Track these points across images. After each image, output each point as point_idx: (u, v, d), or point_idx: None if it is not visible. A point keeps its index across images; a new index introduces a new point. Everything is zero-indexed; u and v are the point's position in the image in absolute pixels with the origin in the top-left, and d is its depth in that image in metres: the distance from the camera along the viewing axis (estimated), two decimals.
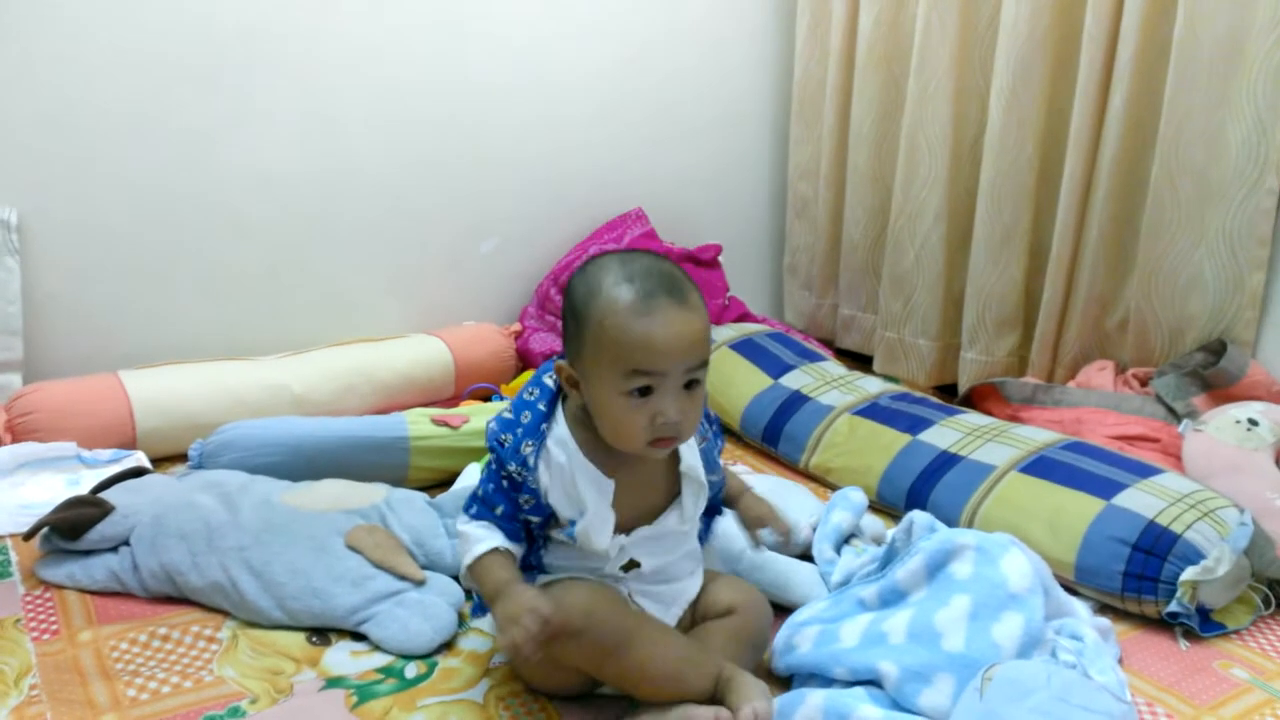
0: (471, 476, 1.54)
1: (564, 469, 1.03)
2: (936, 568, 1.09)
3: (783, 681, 1.12)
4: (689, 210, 2.41)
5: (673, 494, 1.10)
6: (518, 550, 1.07)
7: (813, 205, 2.40)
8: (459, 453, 1.63)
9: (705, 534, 1.20)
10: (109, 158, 1.80)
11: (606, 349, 0.98)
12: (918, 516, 1.18)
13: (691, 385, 1.00)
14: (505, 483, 1.05)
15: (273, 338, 1.99)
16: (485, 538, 1.04)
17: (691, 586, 1.14)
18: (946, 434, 1.60)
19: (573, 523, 1.04)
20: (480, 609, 1.13)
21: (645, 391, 0.98)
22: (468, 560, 1.05)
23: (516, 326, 2.22)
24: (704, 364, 1.01)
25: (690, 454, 1.09)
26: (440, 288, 2.22)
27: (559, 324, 2.19)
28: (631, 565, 1.09)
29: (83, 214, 1.80)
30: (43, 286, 1.77)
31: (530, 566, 1.10)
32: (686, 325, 0.98)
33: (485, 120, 2.16)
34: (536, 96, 2.19)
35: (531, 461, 1.03)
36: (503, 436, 1.05)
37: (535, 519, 1.06)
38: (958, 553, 1.09)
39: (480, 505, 1.07)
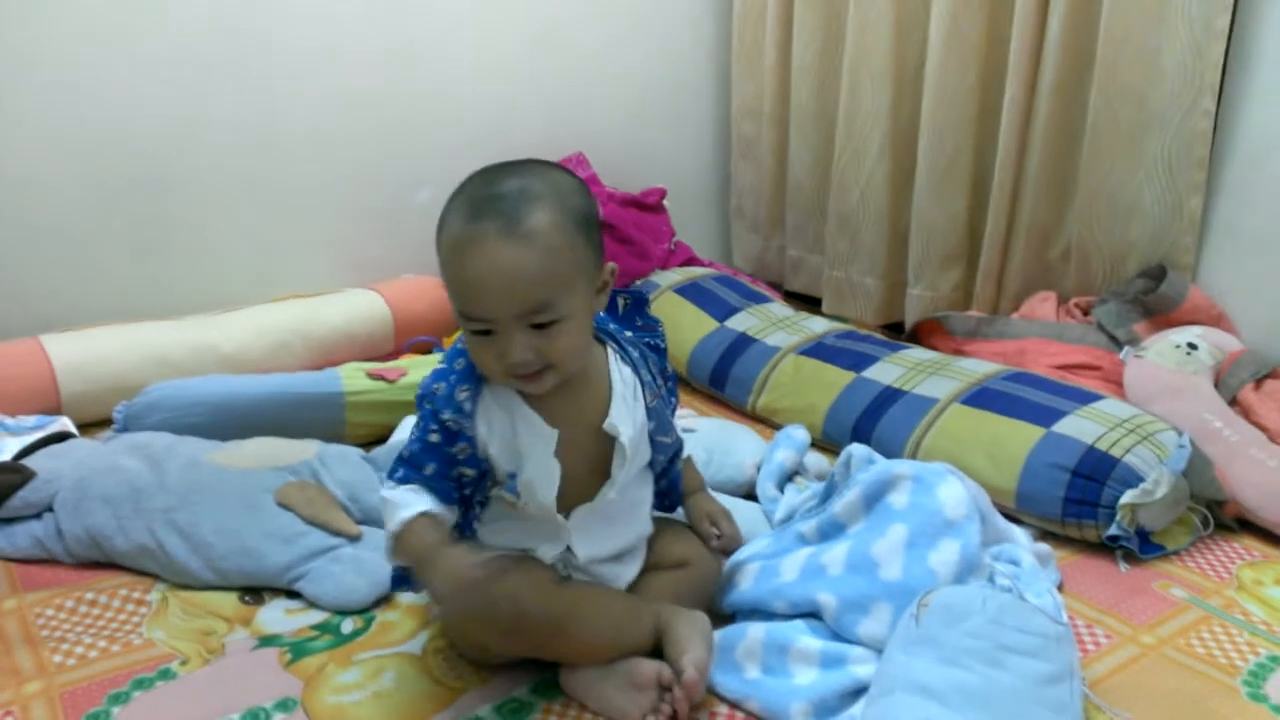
0: (408, 430, 1.51)
1: (503, 418, 0.96)
2: (874, 499, 1.09)
3: (725, 618, 1.12)
4: (631, 154, 2.37)
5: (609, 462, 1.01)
6: (449, 515, 0.97)
7: (757, 145, 2.37)
8: (397, 407, 1.60)
9: (666, 505, 1.13)
10: (28, 109, 1.72)
11: (446, 283, 0.91)
12: (856, 450, 1.17)
13: (543, 324, 0.89)
14: (437, 436, 0.96)
15: (202, 296, 1.92)
16: (412, 502, 0.94)
17: (630, 571, 1.06)
18: (890, 370, 1.60)
19: (513, 476, 0.97)
20: (401, 581, 1.05)
21: (488, 329, 0.90)
22: (392, 527, 0.94)
23: None
24: (544, 308, 0.88)
25: (618, 410, 0.99)
26: (377, 241, 2.16)
27: None
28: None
29: (1, 166, 1.72)
30: None
31: (462, 539, 1.01)
32: (511, 263, 0.86)
33: (418, 65, 2.09)
34: (470, 38, 2.13)
35: (468, 407, 0.95)
36: (435, 386, 0.97)
37: (470, 471, 0.98)
38: (894, 483, 1.08)
39: (406, 467, 0.97)
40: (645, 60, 2.36)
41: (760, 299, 1.94)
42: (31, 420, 1.58)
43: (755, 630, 1.02)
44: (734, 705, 0.98)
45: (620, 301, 1.07)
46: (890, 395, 1.54)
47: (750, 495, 1.37)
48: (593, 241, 0.93)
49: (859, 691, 0.95)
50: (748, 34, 2.31)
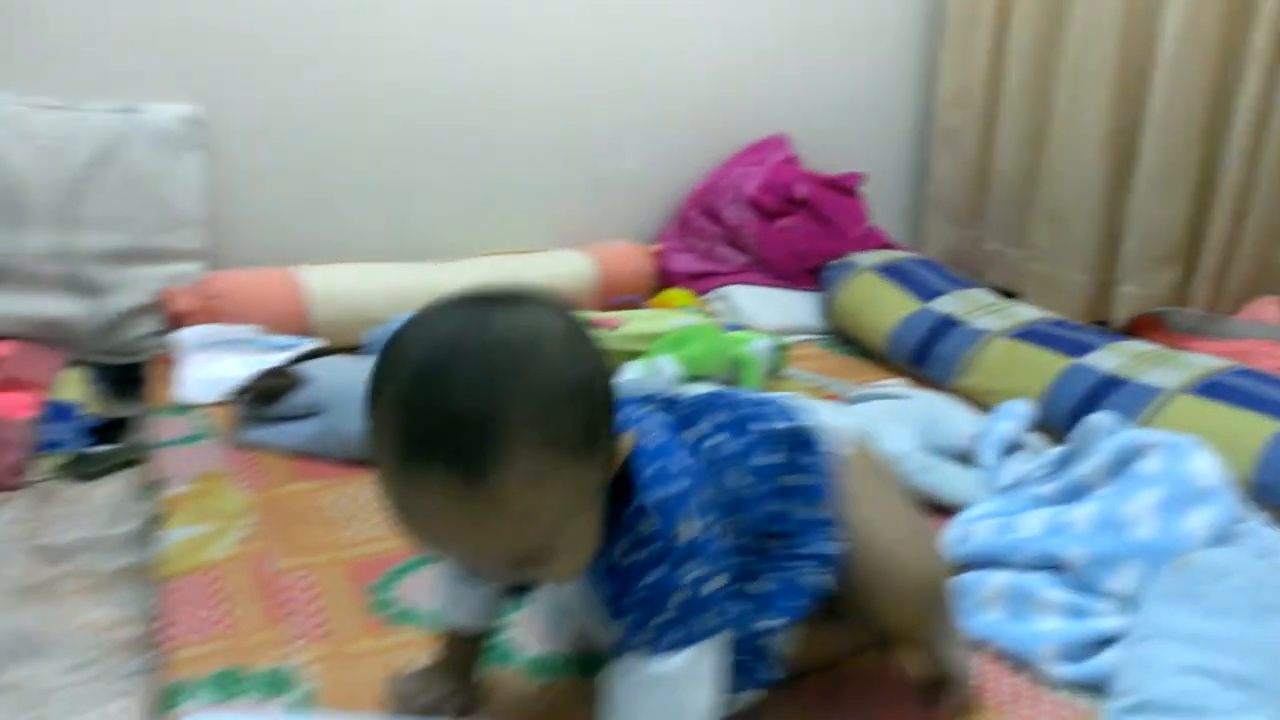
0: (633, 371, 1.58)
1: None
2: (1123, 464, 1.09)
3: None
4: (830, 137, 2.40)
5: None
6: (478, 620, 0.85)
7: (960, 135, 2.36)
8: (615, 355, 1.68)
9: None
10: (290, 63, 1.88)
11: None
12: (1098, 418, 1.18)
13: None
14: None
15: (427, 243, 2.06)
16: (444, 595, 0.84)
17: None
18: (1109, 358, 1.58)
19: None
20: None
21: None
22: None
23: (658, 247, 2.26)
24: (524, 562, 0.65)
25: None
26: (584, 206, 2.26)
27: (700, 245, 2.22)
28: None
29: (263, 115, 1.89)
30: (224, 182, 1.86)
31: None
32: (474, 533, 0.62)
33: (636, 42, 2.18)
34: (684, 17, 2.20)
35: None
36: None
37: None
38: (1145, 450, 1.08)
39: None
40: (850, 44, 2.39)
41: (965, 284, 1.95)
42: (285, 339, 1.73)
43: (997, 578, 1.04)
44: (977, 646, 1.01)
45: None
46: (1110, 383, 1.52)
47: (967, 460, 1.39)
48: (596, 444, 0.65)
49: (1103, 642, 0.97)
50: (961, 24, 2.31)
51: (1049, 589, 1.03)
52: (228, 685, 0.90)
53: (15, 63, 1.70)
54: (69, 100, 1.72)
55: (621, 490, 0.69)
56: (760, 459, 0.80)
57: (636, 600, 0.68)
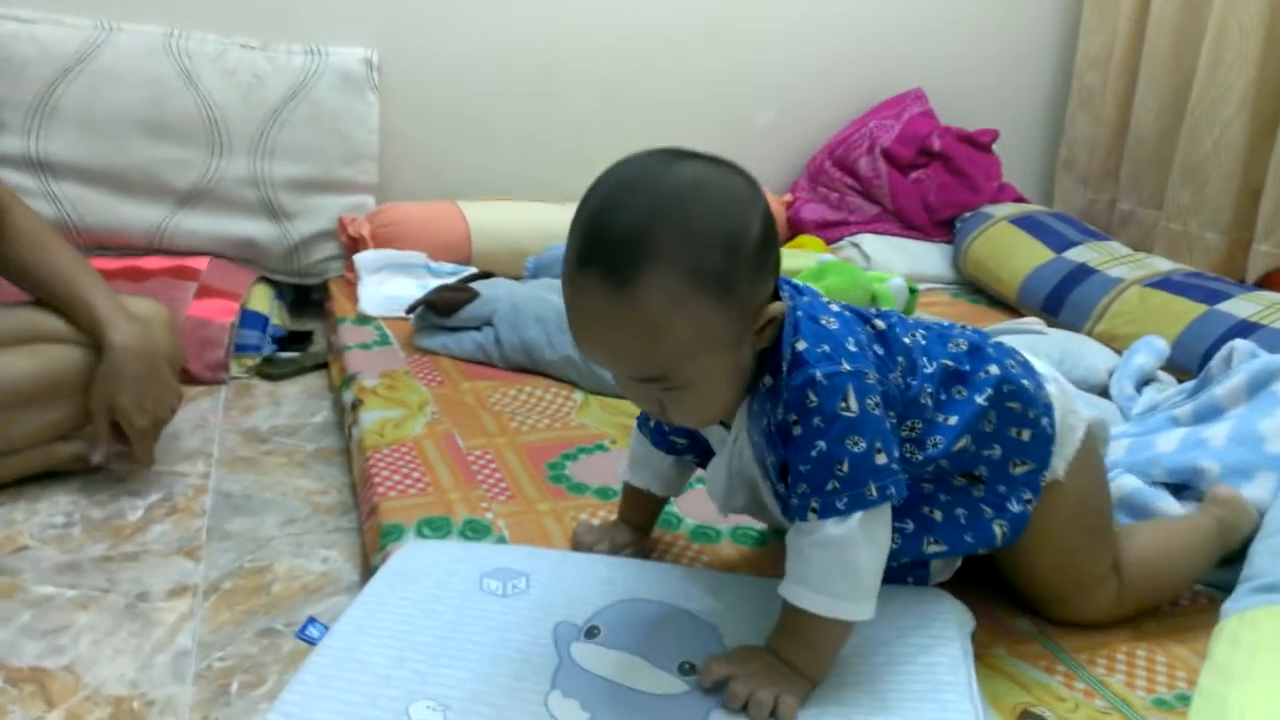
0: None
1: None
2: (1259, 386, 1.14)
3: None
4: (966, 94, 2.43)
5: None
6: (665, 486, 0.96)
7: (1099, 96, 2.37)
8: None
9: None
10: (458, 14, 2.04)
11: None
12: (1239, 344, 1.22)
13: (665, 386, 0.75)
14: None
15: (573, 185, 2.16)
16: (631, 466, 0.98)
17: None
18: (1245, 306, 1.60)
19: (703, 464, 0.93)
20: None
21: None
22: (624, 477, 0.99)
23: (788, 197, 2.33)
24: (655, 378, 0.74)
25: (720, 458, 0.87)
26: (720, 154, 2.34)
27: (831, 195, 2.29)
28: None
29: (433, 60, 2.04)
30: (394, 121, 2.01)
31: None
32: (612, 329, 0.71)
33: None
34: None
35: None
36: None
37: (681, 441, 0.94)
38: None
39: (642, 413, 0.95)
40: (992, 5, 2.41)
41: (1099, 236, 1.97)
42: (450, 266, 1.88)
43: (1125, 480, 1.09)
44: None
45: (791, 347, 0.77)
46: (1246, 328, 1.55)
47: (1101, 395, 1.44)
48: (733, 291, 0.72)
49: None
50: None
51: (1166, 501, 1.08)
52: (433, 529, 1.03)
53: (217, 6, 1.89)
54: (263, 41, 1.89)
55: (778, 363, 0.76)
56: (978, 398, 0.82)
57: (808, 467, 0.74)
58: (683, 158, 0.75)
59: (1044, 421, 0.85)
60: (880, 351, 0.80)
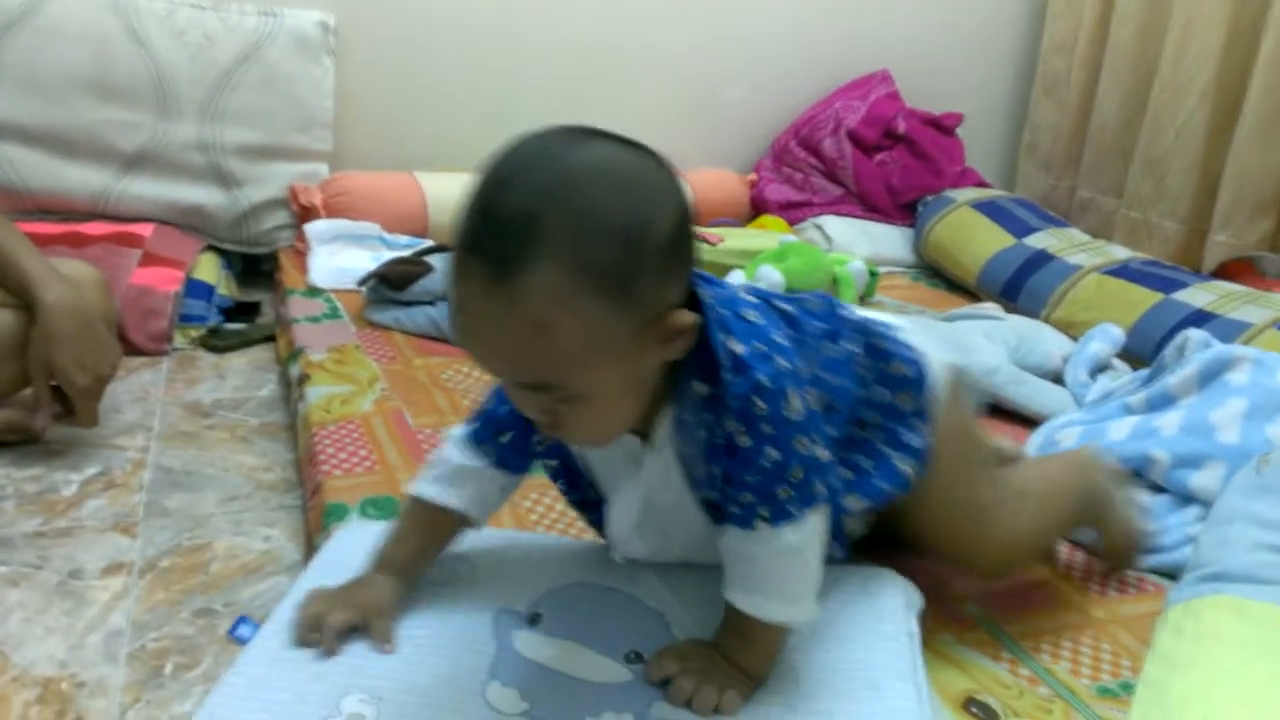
0: (735, 278, 1.66)
1: None
2: (1211, 375, 1.14)
3: None
4: (933, 77, 2.42)
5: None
6: (483, 510, 0.83)
7: (1063, 83, 2.37)
8: (715, 268, 1.75)
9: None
10: None
11: None
12: (1193, 333, 1.23)
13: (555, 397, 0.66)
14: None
15: None
16: (451, 477, 0.81)
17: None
18: (1201, 295, 1.61)
19: (599, 502, 0.83)
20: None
21: None
22: (412, 484, 0.82)
23: (753, 176, 2.32)
24: (540, 387, 0.65)
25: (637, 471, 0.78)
26: (683, 132, 2.32)
27: (795, 175, 2.27)
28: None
29: (392, 25, 1.99)
30: (351, 87, 1.97)
31: None
32: (494, 329, 0.63)
33: None
34: None
35: None
36: None
37: (553, 463, 0.84)
38: (1235, 363, 1.13)
39: (483, 424, 0.81)
40: None
41: (1059, 223, 1.98)
42: (404, 239, 1.84)
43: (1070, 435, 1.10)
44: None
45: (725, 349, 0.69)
46: (1201, 317, 1.56)
47: (1055, 381, 1.44)
48: (632, 294, 0.63)
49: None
50: None
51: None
52: (379, 510, 1.01)
53: None
54: (215, 1, 1.83)
55: (711, 368, 0.69)
56: (849, 345, 0.80)
57: (758, 477, 0.70)
58: (591, 137, 0.66)
59: (909, 353, 0.83)
60: (793, 335, 0.76)
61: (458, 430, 0.82)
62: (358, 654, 0.75)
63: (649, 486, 0.77)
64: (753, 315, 0.72)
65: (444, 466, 0.81)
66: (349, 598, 0.77)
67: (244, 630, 0.82)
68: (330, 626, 0.75)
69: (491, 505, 0.84)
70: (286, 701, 0.70)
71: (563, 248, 0.60)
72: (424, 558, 0.82)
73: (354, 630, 0.76)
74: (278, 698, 0.71)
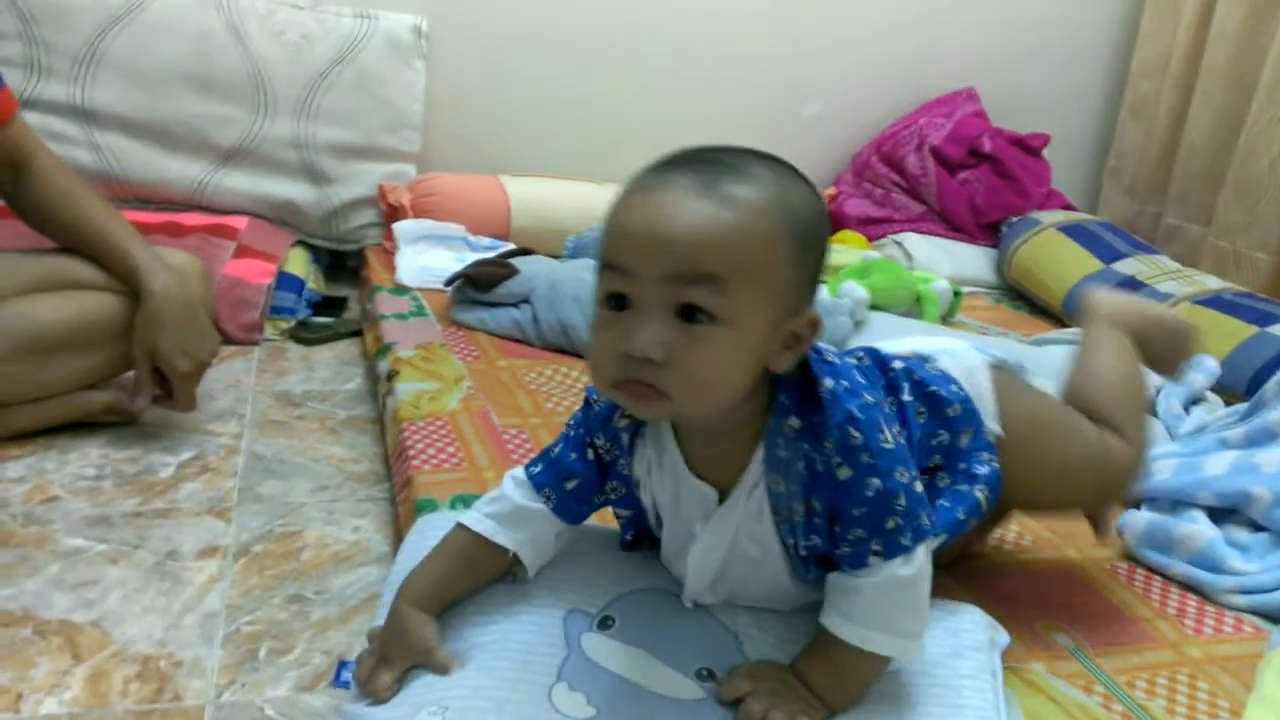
0: (819, 293, 1.64)
1: (662, 471, 0.77)
2: None
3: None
4: (1018, 97, 2.39)
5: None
6: (536, 554, 0.80)
7: (1152, 105, 2.32)
8: None
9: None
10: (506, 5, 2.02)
11: (601, 240, 0.68)
12: None
13: (692, 316, 0.64)
14: (590, 453, 0.79)
15: (612, 167, 2.14)
16: (509, 517, 0.79)
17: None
18: None
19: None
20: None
21: (620, 303, 0.66)
22: (463, 517, 0.80)
23: (832, 190, 2.30)
24: (703, 279, 0.63)
25: (723, 515, 0.75)
26: (763, 145, 2.28)
27: (876, 191, 2.26)
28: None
29: (482, 32, 2.02)
30: (440, 90, 2.00)
31: None
32: (681, 211, 0.63)
33: None
34: None
35: (625, 440, 0.77)
36: (595, 397, 0.78)
37: (626, 512, 0.83)
38: None
39: (548, 470, 0.79)
40: (1048, 8, 2.36)
41: (1148, 249, 1.94)
42: (487, 241, 1.86)
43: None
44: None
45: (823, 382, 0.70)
46: None
47: (1149, 413, 1.41)
48: (803, 263, 0.67)
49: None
50: None
51: (1187, 525, 1.05)
52: (467, 505, 1.01)
53: None
54: (313, 2, 1.88)
55: (808, 395, 0.70)
56: (906, 396, 0.81)
57: (864, 509, 0.70)
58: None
59: (955, 389, 0.83)
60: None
61: (519, 471, 0.80)
62: (428, 673, 0.74)
63: (735, 536, 0.76)
64: (831, 356, 0.73)
65: (503, 504, 0.79)
66: (387, 654, 0.75)
67: (346, 676, 0.78)
68: (380, 690, 0.74)
69: (544, 554, 0.82)
70: None
71: (772, 190, 0.66)
72: (456, 595, 0.80)
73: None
74: None
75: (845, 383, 0.71)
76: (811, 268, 0.69)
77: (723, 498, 0.75)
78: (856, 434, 0.69)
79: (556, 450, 0.80)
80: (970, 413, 0.82)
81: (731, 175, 0.65)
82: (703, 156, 0.67)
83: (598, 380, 0.69)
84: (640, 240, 0.64)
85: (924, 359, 0.85)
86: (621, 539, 0.85)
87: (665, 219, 0.64)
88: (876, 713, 0.75)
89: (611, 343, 0.66)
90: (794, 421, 0.71)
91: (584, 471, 0.78)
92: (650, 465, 0.77)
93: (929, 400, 0.81)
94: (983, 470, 0.82)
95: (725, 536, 0.76)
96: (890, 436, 0.71)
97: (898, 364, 0.81)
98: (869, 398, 0.71)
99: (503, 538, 0.79)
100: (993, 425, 0.84)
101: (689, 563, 0.78)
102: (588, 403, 0.78)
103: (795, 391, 0.70)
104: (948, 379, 0.83)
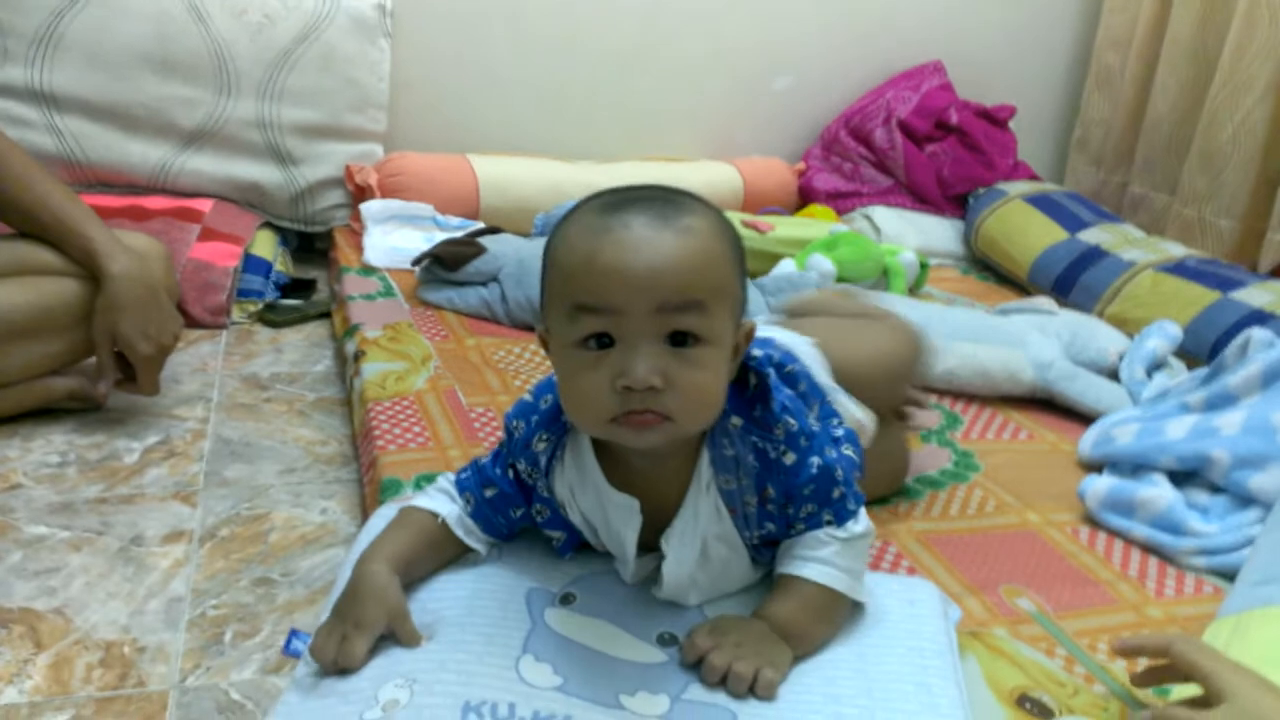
0: (787, 267, 1.65)
1: (586, 491, 0.79)
2: (1275, 376, 1.12)
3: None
4: (985, 70, 2.39)
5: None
6: (474, 542, 0.83)
7: (1117, 77, 2.33)
8: (765, 256, 1.74)
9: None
10: None
11: (554, 284, 0.70)
12: (1256, 333, 1.20)
13: (681, 341, 0.68)
14: (511, 474, 0.82)
15: (584, 144, 2.15)
16: (437, 503, 0.82)
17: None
18: (1260, 295, 1.59)
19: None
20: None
21: (604, 342, 0.68)
22: (413, 502, 0.84)
23: (801, 165, 2.30)
24: (691, 305, 0.67)
25: (683, 522, 0.78)
26: (732, 121, 2.31)
27: (844, 165, 2.26)
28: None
29: (448, 10, 2.00)
30: (406, 69, 1.98)
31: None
32: (655, 245, 0.66)
33: None
34: None
35: (543, 462, 0.78)
36: (515, 423, 0.80)
37: (558, 534, 0.83)
38: None
39: (473, 475, 0.83)
40: None
41: (1113, 218, 1.95)
42: (456, 220, 1.85)
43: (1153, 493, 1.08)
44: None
45: (751, 379, 0.76)
46: (1259, 317, 1.53)
47: (1110, 377, 1.43)
48: (742, 278, 0.73)
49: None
50: None
51: (1148, 488, 1.07)
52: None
53: None
54: None
55: (738, 393, 0.75)
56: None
57: (812, 486, 0.76)
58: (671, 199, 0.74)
59: (797, 365, 0.87)
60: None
61: (445, 481, 0.85)
62: (392, 647, 0.74)
63: (704, 536, 0.78)
64: (756, 351, 0.79)
65: (438, 486, 0.85)
66: (359, 618, 0.74)
67: (297, 644, 0.78)
68: (356, 658, 0.72)
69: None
70: (333, 704, 0.70)
71: (710, 216, 0.71)
72: (420, 567, 0.81)
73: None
74: (326, 702, 0.70)
75: (767, 376, 0.77)
76: (743, 280, 0.74)
77: (670, 509, 0.77)
78: (792, 420, 0.75)
79: (484, 461, 0.83)
80: (813, 386, 0.88)
81: (674, 208, 0.69)
82: (634, 195, 0.70)
83: (590, 420, 0.70)
84: (627, 278, 0.66)
85: (767, 342, 0.89)
86: (562, 555, 0.85)
87: (647, 254, 0.66)
88: (844, 671, 0.76)
89: (602, 382, 0.67)
90: (735, 419, 0.75)
91: (504, 485, 0.81)
92: (572, 487, 0.79)
93: (788, 380, 0.85)
94: (839, 432, 0.87)
95: (694, 546, 0.78)
96: (813, 419, 0.79)
97: (757, 352, 0.81)
98: (787, 389, 0.79)
99: (439, 505, 0.83)
100: (825, 379, 0.92)
101: (664, 574, 0.79)
102: (509, 431, 0.81)
103: (730, 391, 0.73)
104: (791, 357, 0.88)
